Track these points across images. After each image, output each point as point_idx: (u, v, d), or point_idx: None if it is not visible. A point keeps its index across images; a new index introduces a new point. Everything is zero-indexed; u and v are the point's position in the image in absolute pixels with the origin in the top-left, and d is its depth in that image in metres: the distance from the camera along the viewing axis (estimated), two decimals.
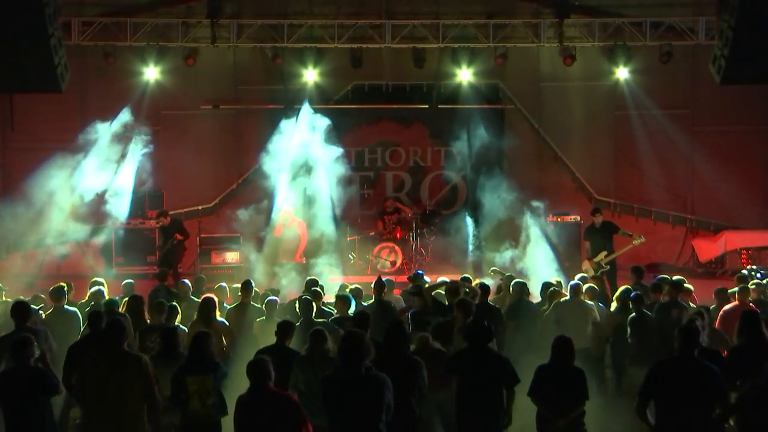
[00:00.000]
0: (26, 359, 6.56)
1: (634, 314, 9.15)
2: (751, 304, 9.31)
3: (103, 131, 16.00)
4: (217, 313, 9.29)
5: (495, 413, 6.97)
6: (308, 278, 10.90)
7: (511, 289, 10.13)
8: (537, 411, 7.10)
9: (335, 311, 9.49)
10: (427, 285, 10.06)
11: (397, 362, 6.68)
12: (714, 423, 6.27)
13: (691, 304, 9.67)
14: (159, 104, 17.32)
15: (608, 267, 13.63)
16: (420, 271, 11.56)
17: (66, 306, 9.39)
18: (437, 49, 16.72)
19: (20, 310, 8.05)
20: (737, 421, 6.23)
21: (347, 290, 10.30)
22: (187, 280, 10.83)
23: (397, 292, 10.97)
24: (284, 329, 7.71)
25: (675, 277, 10.09)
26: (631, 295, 9.37)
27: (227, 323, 9.20)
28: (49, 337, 8.09)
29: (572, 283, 9.91)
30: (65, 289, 9.53)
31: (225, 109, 18.24)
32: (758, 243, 16.66)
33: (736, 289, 9.70)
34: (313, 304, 9.08)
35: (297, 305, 8.99)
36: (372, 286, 9.94)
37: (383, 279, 10.11)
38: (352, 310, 9.47)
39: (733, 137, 18.24)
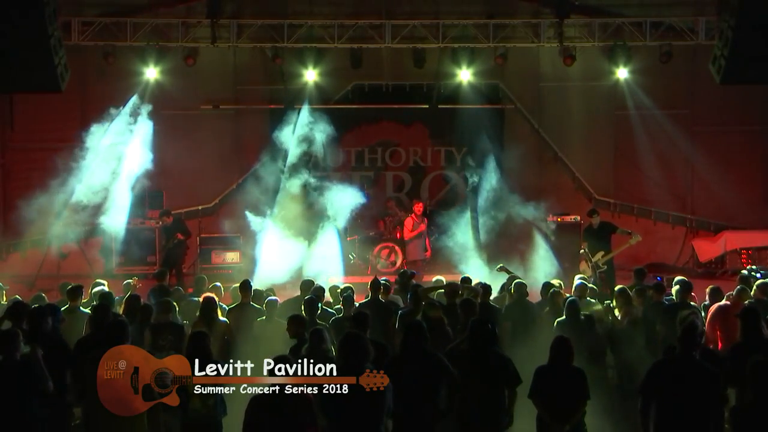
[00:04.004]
0: (12, 352, 6.54)
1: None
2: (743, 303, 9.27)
3: (103, 131, 16.00)
4: (219, 313, 9.32)
5: (496, 413, 6.95)
6: (304, 279, 10.88)
7: (512, 289, 10.11)
8: (537, 414, 7.09)
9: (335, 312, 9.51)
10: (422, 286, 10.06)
11: (420, 362, 6.64)
12: (712, 424, 6.25)
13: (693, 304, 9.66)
14: (159, 104, 17.29)
15: (605, 267, 13.59)
16: (406, 269, 11.56)
17: (80, 307, 9.48)
18: (437, 49, 16.72)
19: (16, 310, 8.02)
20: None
21: (339, 290, 10.31)
22: (179, 287, 10.81)
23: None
24: (297, 323, 7.75)
25: (678, 278, 10.06)
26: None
27: (227, 322, 9.21)
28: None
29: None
30: (82, 289, 9.67)
31: (225, 109, 18.24)
32: (758, 243, 16.67)
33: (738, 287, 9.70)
34: (318, 304, 9.09)
35: (302, 306, 9.00)
36: (369, 285, 9.93)
37: (380, 279, 10.11)
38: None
39: (733, 137, 18.25)
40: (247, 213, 15.96)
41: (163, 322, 8.82)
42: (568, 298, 9.40)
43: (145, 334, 8.63)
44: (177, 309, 9.20)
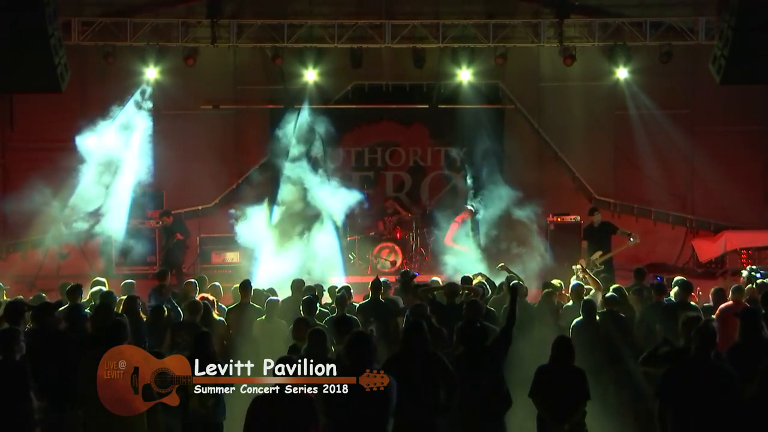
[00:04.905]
0: (13, 352, 6.54)
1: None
2: (746, 303, 9.26)
3: (103, 131, 16.01)
4: (215, 313, 9.33)
5: (497, 404, 6.97)
6: (295, 279, 10.87)
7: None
8: (537, 414, 7.09)
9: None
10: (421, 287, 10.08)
11: (421, 360, 6.64)
12: (730, 426, 6.21)
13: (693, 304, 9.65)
14: (159, 104, 17.31)
15: (603, 267, 13.56)
16: (407, 270, 11.56)
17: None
18: (437, 49, 16.71)
19: (13, 311, 8.02)
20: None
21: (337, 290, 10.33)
22: (194, 280, 10.83)
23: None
24: (304, 327, 7.80)
25: (678, 278, 10.05)
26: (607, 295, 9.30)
27: (225, 323, 9.22)
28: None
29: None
30: (82, 289, 9.70)
31: (225, 109, 18.24)
32: (758, 243, 16.63)
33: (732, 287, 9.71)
34: (317, 304, 9.09)
35: (301, 306, 9.01)
36: (369, 285, 9.94)
37: (380, 279, 10.12)
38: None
39: (733, 137, 18.22)
40: (231, 211, 15.91)
41: (187, 321, 8.85)
42: (585, 299, 9.38)
43: (166, 334, 8.68)
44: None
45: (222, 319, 9.29)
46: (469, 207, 16.44)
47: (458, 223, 16.22)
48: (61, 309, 8.60)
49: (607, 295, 9.43)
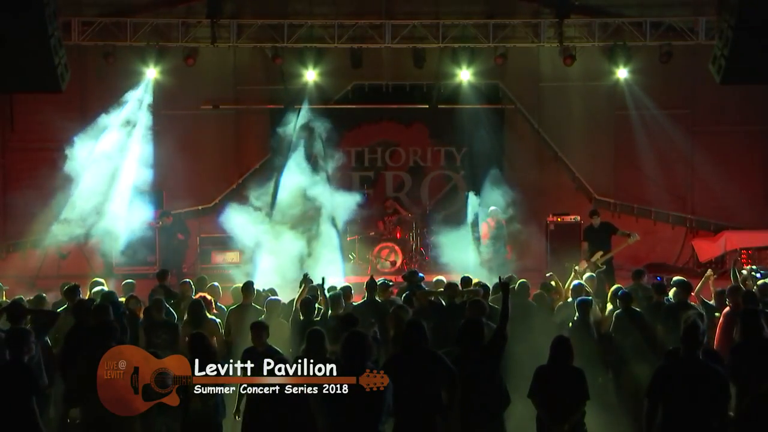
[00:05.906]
0: (21, 353, 6.54)
1: (619, 311, 9.09)
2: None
3: (103, 131, 16.02)
4: (211, 313, 9.34)
5: (496, 401, 6.96)
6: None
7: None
8: (537, 414, 7.09)
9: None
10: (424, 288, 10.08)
11: (420, 359, 6.63)
12: (719, 426, 6.22)
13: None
14: (159, 104, 17.31)
15: (604, 267, 13.55)
16: (415, 269, 11.54)
17: None
18: (437, 49, 16.74)
19: (14, 310, 8.03)
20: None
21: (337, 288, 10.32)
22: (189, 280, 10.84)
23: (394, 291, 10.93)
24: (258, 329, 7.82)
25: (676, 278, 10.04)
26: (619, 293, 9.35)
27: (216, 321, 9.23)
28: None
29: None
30: (79, 289, 9.72)
31: (225, 109, 18.25)
32: (758, 243, 16.63)
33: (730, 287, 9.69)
34: (315, 305, 9.09)
35: (300, 307, 9.01)
36: (364, 286, 9.94)
37: (376, 279, 10.11)
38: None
39: (733, 137, 18.23)
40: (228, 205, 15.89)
41: (157, 320, 8.87)
42: (580, 298, 9.39)
43: (139, 334, 8.71)
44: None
45: (214, 318, 9.28)
46: (495, 209, 16.37)
47: (490, 225, 16.18)
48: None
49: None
